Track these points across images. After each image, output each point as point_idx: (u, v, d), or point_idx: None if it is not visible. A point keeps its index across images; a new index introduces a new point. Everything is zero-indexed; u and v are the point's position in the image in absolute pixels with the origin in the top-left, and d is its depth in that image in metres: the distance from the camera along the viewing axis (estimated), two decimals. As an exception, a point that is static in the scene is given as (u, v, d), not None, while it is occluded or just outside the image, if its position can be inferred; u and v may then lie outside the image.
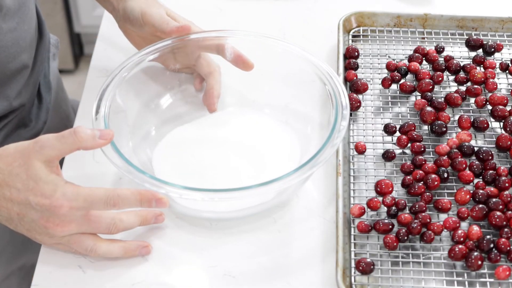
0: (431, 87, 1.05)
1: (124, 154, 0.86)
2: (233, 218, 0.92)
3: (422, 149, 0.97)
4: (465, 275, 0.85)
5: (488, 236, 0.86)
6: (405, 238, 0.87)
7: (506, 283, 0.85)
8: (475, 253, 0.84)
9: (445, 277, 0.85)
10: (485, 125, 1.00)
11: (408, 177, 0.94)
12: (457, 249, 0.85)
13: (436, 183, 0.92)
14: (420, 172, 0.94)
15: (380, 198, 0.92)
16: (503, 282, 0.85)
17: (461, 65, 1.09)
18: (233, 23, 1.19)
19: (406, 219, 0.88)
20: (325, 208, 0.94)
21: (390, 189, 0.92)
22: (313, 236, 0.91)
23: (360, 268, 0.85)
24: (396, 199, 0.91)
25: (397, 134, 1.00)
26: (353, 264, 0.86)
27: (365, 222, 0.89)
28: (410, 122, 1.00)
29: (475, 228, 0.87)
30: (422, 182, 0.93)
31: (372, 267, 0.85)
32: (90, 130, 0.83)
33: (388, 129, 1.00)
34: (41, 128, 1.12)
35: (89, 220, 0.84)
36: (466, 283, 0.85)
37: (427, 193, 0.91)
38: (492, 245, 0.86)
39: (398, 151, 0.98)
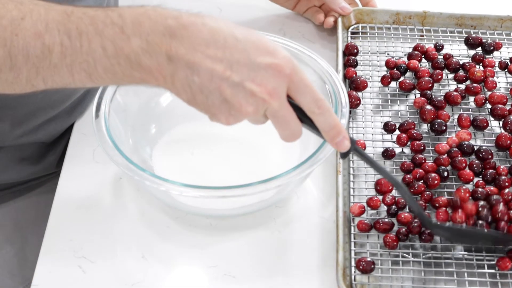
0: (430, 85, 1.05)
1: (124, 152, 0.86)
2: (233, 216, 0.92)
3: (422, 147, 0.97)
4: (465, 274, 0.85)
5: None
6: (405, 237, 0.87)
7: (506, 283, 0.85)
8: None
9: (445, 277, 0.85)
10: (485, 124, 1.00)
11: (408, 175, 0.94)
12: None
13: (436, 182, 0.92)
14: (420, 171, 0.94)
15: (380, 197, 0.92)
16: (504, 282, 0.85)
17: (461, 63, 1.09)
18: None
19: (406, 218, 0.89)
20: (325, 207, 0.94)
21: (390, 187, 0.92)
22: (313, 236, 0.91)
23: (361, 267, 0.85)
24: (396, 198, 0.91)
25: (397, 132, 1.00)
26: (353, 264, 0.86)
27: (365, 221, 0.89)
28: (410, 120, 1.00)
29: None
30: (422, 181, 0.93)
31: (372, 266, 0.85)
32: None
33: (388, 127, 1.00)
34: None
35: (287, 108, 0.75)
36: (466, 282, 0.85)
37: (427, 192, 0.91)
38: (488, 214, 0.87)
39: (397, 149, 0.98)
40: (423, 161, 0.95)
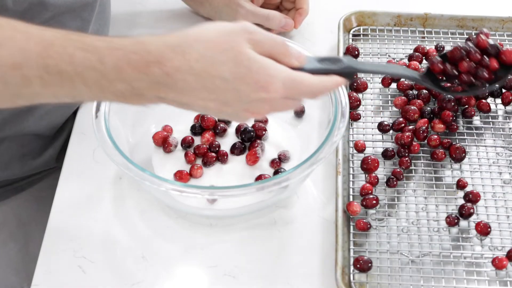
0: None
1: (124, 152, 0.87)
2: (233, 216, 0.92)
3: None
4: (464, 273, 0.85)
5: None
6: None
7: (504, 282, 0.85)
8: None
9: (443, 275, 0.85)
10: None
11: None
12: None
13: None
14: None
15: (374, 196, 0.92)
16: (500, 280, 0.85)
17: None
18: (234, 23, 1.19)
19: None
20: (325, 207, 0.94)
21: (376, 164, 0.95)
22: (313, 235, 0.91)
23: (358, 266, 0.85)
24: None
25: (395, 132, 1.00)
26: (351, 263, 0.86)
27: (364, 221, 0.89)
28: (400, 119, 1.00)
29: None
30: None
31: (370, 265, 0.85)
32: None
33: (382, 127, 1.00)
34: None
35: (286, 104, 0.76)
36: (465, 281, 0.85)
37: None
38: None
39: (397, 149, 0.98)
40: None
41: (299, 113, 1.02)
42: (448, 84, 0.89)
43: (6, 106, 0.75)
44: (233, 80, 0.71)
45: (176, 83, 0.71)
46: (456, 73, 0.89)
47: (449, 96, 1.00)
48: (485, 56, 0.90)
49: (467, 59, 0.90)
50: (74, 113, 1.08)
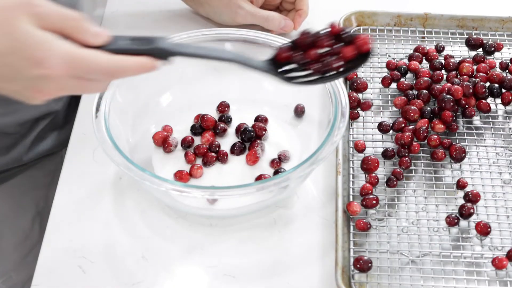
0: (427, 85, 1.05)
1: (124, 152, 0.87)
2: (233, 216, 0.92)
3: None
4: (464, 273, 0.85)
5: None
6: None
7: (504, 282, 0.85)
8: None
9: (443, 275, 0.85)
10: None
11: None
12: None
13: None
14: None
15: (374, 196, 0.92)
16: (500, 280, 0.85)
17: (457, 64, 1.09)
18: (234, 23, 1.19)
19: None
20: (325, 207, 0.93)
21: (376, 164, 0.95)
22: (313, 235, 0.91)
23: (358, 266, 0.85)
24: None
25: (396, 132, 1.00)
26: (351, 263, 0.86)
27: (364, 221, 0.89)
28: (400, 119, 1.00)
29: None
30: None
31: (369, 265, 0.85)
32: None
33: (382, 128, 1.00)
34: None
35: (82, 86, 0.71)
36: (465, 281, 0.85)
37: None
38: None
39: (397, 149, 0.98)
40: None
41: (299, 113, 1.02)
42: (293, 74, 0.81)
43: None
44: (8, 55, 0.67)
45: None
46: (303, 61, 0.81)
47: (448, 96, 1.00)
48: (337, 44, 0.80)
49: (316, 47, 0.80)
50: (49, 114, 1.08)
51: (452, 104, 1.00)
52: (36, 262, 0.88)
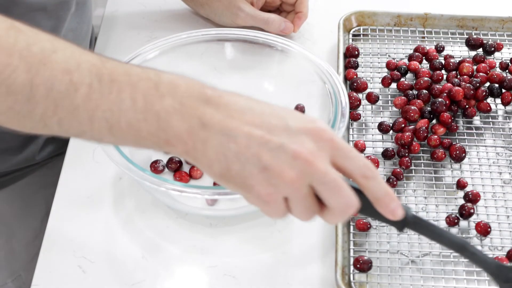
0: (427, 85, 1.05)
1: (124, 152, 0.87)
2: (233, 216, 0.92)
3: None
4: (464, 273, 0.85)
5: None
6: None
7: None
8: None
9: (443, 275, 0.85)
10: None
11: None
12: None
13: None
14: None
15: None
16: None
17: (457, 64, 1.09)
18: (234, 23, 1.19)
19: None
20: (325, 207, 0.93)
21: (376, 164, 0.95)
22: (313, 236, 0.91)
23: (358, 266, 0.85)
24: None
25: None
26: (351, 263, 0.86)
27: (364, 220, 0.89)
28: (400, 119, 1.00)
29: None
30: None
31: (369, 265, 0.85)
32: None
33: (382, 128, 1.00)
34: None
35: (335, 172, 0.66)
36: (465, 281, 0.85)
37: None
38: None
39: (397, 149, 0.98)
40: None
41: (299, 113, 1.02)
42: None
43: (32, 128, 0.69)
44: (282, 110, 0.67)
45: (226, 103, 0.66)
46: None
47: (440, 100, 1.00)
48: None
49: None
50: None
51: (445, 107, 1.00)
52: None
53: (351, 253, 0.87)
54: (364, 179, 0.66)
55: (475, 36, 1.13)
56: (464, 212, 0.90)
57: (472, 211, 0.90)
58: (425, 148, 0.98)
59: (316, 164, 0.64)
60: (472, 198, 0.92)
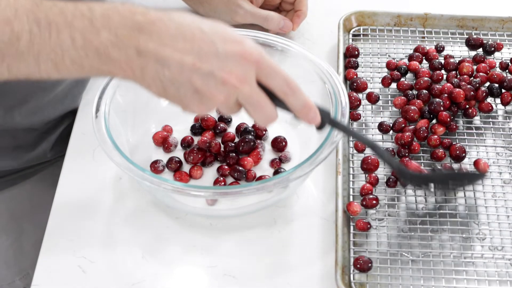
0: (427, 85, 1.05)
1: (124, 152, 0.87)
2: (233, 215, 0.92)
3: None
4: (464, 273, 0.85)
5: None
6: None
7: (504, 281, 0.85)
8: None
9: (444, 275, 0.85)
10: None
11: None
12: None
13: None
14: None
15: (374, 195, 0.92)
16: (500, 280, 0.85)
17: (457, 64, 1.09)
18: (234, 23, 1.19)
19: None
20: (325, 207, 0.93)
21: (376, 164, 0.95)
22: (313, 235, 0.91)
23: (358, 266, 0.85)
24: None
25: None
26: (351, 263, 0.86)
27: (364, 221, 0.89)
28: (400, 119, 1.00)
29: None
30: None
31: (369, 264, 0.85)
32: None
33: (382, 128, 1.00)
34: None
35: (259, 97, 0.76)
36: (465, 281, 0.85)
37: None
38: None
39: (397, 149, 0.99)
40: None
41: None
42: None
43: None
44: (211, 33, 0.73)
45: (157, 30, 0.72)
46: None
47: (437, 100, 1.00)
48: None
49: None
50: (72, 112, 1.08)
51: (442, 108, 1.00)
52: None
53: (351, 253, 0.87)
54: (284, 95, 0.76)
55: (475, 36, 1.13)
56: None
57: (472, 211, 0.90)
58: (425, 148, 0.99)
59: (241, 88, 0.73)
60: (472, 198, 0.92)
